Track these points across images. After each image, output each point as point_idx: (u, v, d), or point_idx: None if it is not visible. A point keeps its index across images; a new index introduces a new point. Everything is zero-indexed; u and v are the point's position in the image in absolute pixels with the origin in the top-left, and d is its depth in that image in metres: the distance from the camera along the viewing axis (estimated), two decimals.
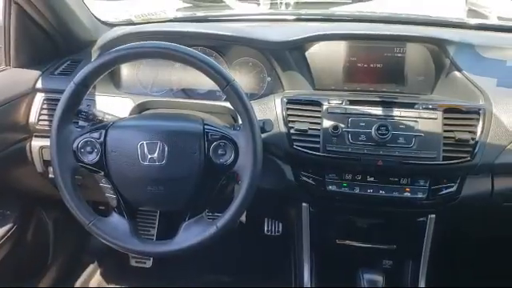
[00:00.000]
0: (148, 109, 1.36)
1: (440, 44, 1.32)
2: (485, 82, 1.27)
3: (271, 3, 2.56)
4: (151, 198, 1.09)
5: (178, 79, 1.44)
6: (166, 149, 1.05)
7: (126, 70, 1.46)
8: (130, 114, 1.33)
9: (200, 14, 1.81)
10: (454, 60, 1.31)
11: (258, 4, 2.70)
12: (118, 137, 1.08)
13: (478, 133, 1.18)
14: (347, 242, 1.37)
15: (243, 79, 1.41)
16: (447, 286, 1.59)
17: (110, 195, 1.13)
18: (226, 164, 1.07)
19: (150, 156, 1.05)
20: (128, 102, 1.35)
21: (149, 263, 1.89)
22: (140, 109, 1.36)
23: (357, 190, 1.23)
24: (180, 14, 1.83)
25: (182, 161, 1.06)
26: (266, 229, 1.77)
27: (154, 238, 1.83)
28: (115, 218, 1.11)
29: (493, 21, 2.21)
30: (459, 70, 1.31)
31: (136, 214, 1.15)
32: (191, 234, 1.07)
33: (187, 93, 1.44)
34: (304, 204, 1.34)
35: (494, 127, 1.19)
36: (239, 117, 1.07)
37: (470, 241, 1.60)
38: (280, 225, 1.75)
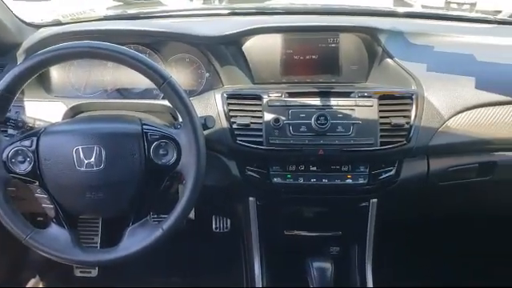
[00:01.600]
0: (82, 112, 1.31)
1: (372, 33, 1.36)
2: (416, 68, 1.32)
3: None
4: (91, 206, 1.05)
5: (112, 79, 1.39)
6: (104, 153, 1.01)
7: (56, 73, 1.39)
8: (63, 119, 1.26)
9: (131, 11, 1.76)
10: (386, 48, 1.35)
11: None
12: (51, 143, 1.03)
13: (412, 117, 1.23)
14: (295, 232, 1.38)
15: (181, 76, 1.38)
16: (393, 268, 1.65)
17: (47, 205, 1.08)
18: (169, 164, 1.05)
19: (86, 161, 1.01)
20: (60, 105, 1.29)
21: (94, 272, 1.82)
22: (73, 112, 1.30)
23: (301, 181, 1.25)
24: (111, 12, 1.76)
25: (122, 164, 1.03)
26: (214, 226, 1.76)
27: (98, 245, 1.77)
28: (54, 229, 1.06)
29: (420, 9, 2.30)
30: (391, 58, 1.35)
31: (76, 222, 1.10)
32: (136, 239, 1.04)
33: (122, 93, 1.40)
34: (251, 198, 1.34)
35: (427, 111, 1.24)
36: (179, 115, 1.05)
37: (411, 222, 1.66)
38: (228, 221, 1.74)
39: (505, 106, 1.27)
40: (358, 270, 1.40)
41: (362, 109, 1.22)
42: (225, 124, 1.23)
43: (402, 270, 1.76)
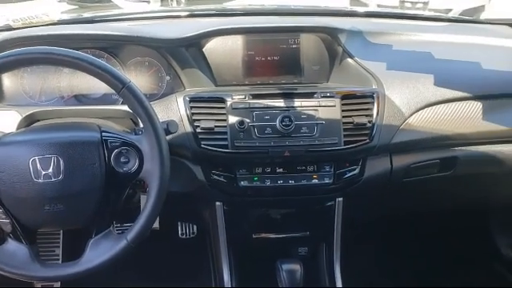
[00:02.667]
0: (37, 120, 1.25)
1: (331, 33, 1.37)
2: (375, 67, 1.33)
3: (162, 0, 2.50)
4: (50, 218, 1.01)
5: (69, 85, 1.34)
6: (62, 163, 0.97)
7: (8, 80, 1.33)
8: (18, 129, 1.20)
9: (87, 14, 1.70)
10: (346, 47, 1.36)
11: (148, 2, 2.63)
12: (5, 155, 0.98)
13: (374, 116, 1.24)
14: (263, 235, 1.37)
15: (140, 80, 1.34)
16: (362, 267, 1.67)
17: (3, 220, 1.02)
18: (131, 172, 1.02)
19: (44, 172, 0.96)
20: (13, 114, 1.23)
21: (57, 285, 1.75)
22: (28, 121, 1.23)
23: (268, 183, 1.24)
24: (65, 16, 1.71)
25: (81, 174, 0.99)
26: (180, 232, 1.73)
27: (60, 258, 1.70)
28: (12, 245, 1.01)
29: (376, 8, 2.35)
30: (351, 57, 1.36)
31: (35, 236, 1.05)
32: (100, 251, 1.00)
33: (80, 99, 1.35)
34: (217, 203, 1.32)
35: (388, 109, 1.26)
36: (140, 120, 1.02)
37: (378, 220, 1.69)
38: (194, 226, 1.71)
39: (463, 102, 1.31)
40: (327, 269, 1.41)
41: (325, 109, 1.23)
42: (188, 128, 1.20)
43: (371, 269, 1.79)
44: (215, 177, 1.25)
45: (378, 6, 5.39)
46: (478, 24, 1.77)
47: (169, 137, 1.07)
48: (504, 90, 1.35)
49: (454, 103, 1.30)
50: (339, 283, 1.39)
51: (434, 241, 1.90)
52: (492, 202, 1.69)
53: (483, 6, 5.64)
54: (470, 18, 1.84)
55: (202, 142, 1.20)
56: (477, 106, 1.32)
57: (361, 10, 1.58)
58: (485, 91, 1.33)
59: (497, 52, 1.51)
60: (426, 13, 1.86)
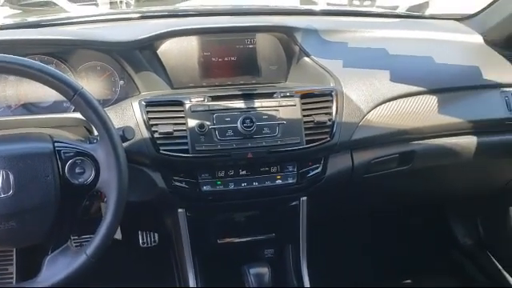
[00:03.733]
0: None
1: (288, 32, 1.36)
2: (332, 65, 1.34)
3: (110, 3, 2.42)
4: (2, 236, 0.94)
5: (16, 93, 1.27)
6: (12, 177, 0.91)
7: None
8: None
9: (33, 19, 1.62)
10: (302, 46, 1.36)
11: (97, 5, 2.54)
12: None
13: (334, 113, 1.24)
14: (228, 240, 1.35)
15: (92, 86, 1.28)
16: (329, 265, 1.68)
17: None
18: (87, 183, 0.97)
19: None
20: None
21: None
22: None
23: (231, 186, 1.22)
24: (8, 21, 1.62)
25: (34, 188, 0.93)
26: (141, 241, 1.67)
27: (14, 277, 1.61)
28: None
29: (326, 7, 2.37)
30: (308, 56, 1.36)
31: None
32: (57, 268, 0.95)
33: (29, 108, 1.27)
34: (180, 210, 1.28)
35: (347, 106, 1.26)
36: (94, 128, 0.98)
37: (342, 217, 1.70)
38: (155, 234, 1.67)
39: (418, 96, 1.33)
40: (294, 270, 1.40)
41: (285, 109, 1.22)
42: (145, 134, 1.16)
43: (338, 266, 1.80)
44: (176, 183, 1.21)
45: (328, 4, 5.48)
46: (427, 19, 1.81)
47: (125, 144, 1.03)
48: (455, 83, 1.39)
49: (409, 98, 1.33)
50: (307, 283, 1.39)
51: (395, 234, 1.94)
52: (449, 194, 1.74)
53: (427, 3, 5.85)
54: (419, 14, 1.89)
55: (161, 148, 1.16)
56: (431, 100, 1.34)
57: (316, 8, 1.59)
58: (438, 85, 1.36)
59: (446, 46, 1.55)
60: (378, 10, 1.88)
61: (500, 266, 1.78)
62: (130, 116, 1.18)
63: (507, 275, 1.74)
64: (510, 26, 1.50)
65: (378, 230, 1.87)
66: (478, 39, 1.58)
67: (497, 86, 1.41)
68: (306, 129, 1.22)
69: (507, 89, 1.41)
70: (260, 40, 1.36)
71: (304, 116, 1.22)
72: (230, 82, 1.35)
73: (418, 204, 1.79)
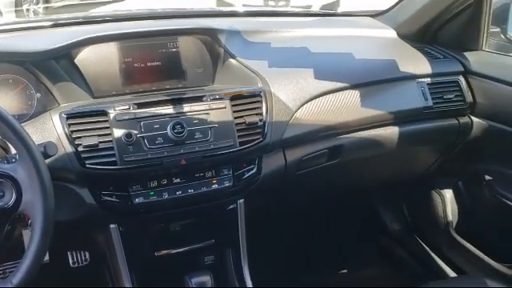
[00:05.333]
0: None
1: (211, 34, 1.34)
2: (258, 65, 1.34)
3: (16, 11, 2.25)
4: None
5: None
6: None
7: None
8: None
9: None
10: (227, 48, 1.35)
11: (1, 13, 2.36)
12: None
13: (264, 114, 1.24)
14: (166, 251, 1.30)
15: (5, 100, 1.17)
16: (271, 266, 1.68)
17: None
18: (8, 207, 0.89)
19: None
20: None
21: None
22: None
23: (166, 196, 1.17)
24: None
25: None
26: (71, 262, 1.57)
27: None
28: None
29: (242, 8, 2.38)
30: (233, 57, 1.35)
31: None
32: None
33: None
34: (112, 225, 1.22)
35: (276, 106, 1.27)
36: (11, 146, 0.90)
37: (279, 216, 1.71)
38: (86, 253, 1.57)
39: (342, 92, 1.37)
40: (236, 274, 1.38)
41: (216, 112, 1.20)
42: (69, 148, 1.09)
43: (278, 265, 1.81)
44: (106, 198, 1.14)
45: (244, 5, 5.53)
46: (343, 17, 1.88)
47: (48, 160, 0.97)
48: (375, 77, 1.44)
49: (334, 94, 1.36)
50: (249, 284, 1.38)
51: (328, 226, 1.99)
52: (376, 183, 1.81)
53: (338, 1, 6.11)
54: (336, 12, 1.95)
55: (87, 162, 1.09)
56: (354, 95, 1.39)
57: (239, 10, 1.58)
58: (359, 80, 1.41)
59: (364, 42, 1.62)
60: (298, 9, 1.92)
61: (428, 248, 1.89)
62: (50, 130, 1.10)
63: (435, 257, 1.84)
64: (420, 20, 1.60)
65: (312, 223, 1.91)
66: (392, 34, 1.66)
67: (413, 77, 1.48)
68: (239, 130, 1.20)
69: (422, 79, 1.49)
70: (183, 43, 1.33)
71: (235, 118, 1.21)
72: (154, 88, 1.30)
73: (348, 195, 1.84)
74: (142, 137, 1.12)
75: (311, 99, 1.32)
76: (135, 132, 1.12)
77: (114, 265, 1.27)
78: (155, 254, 1.29)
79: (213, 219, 1.33)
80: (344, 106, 1.37)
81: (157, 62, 1.31)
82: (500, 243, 1.61)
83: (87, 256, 1.58)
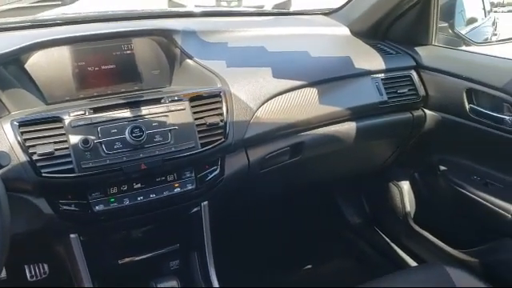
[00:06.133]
0: None
1: (166, 35, 1.32)
2: (217, 66, 1.33)
3: None
4: None
5: None
6: None
7: None
8: None
9: None
10: (183, 48, 1.33)
11: None
12: None
13: (225, 114, 1.23)
14: (129, 259, 1.27)
15: None
16: (236, 264, 1.67)
17: None
18: None
19: None
20: None
21: None
22: None
23: (127, 202, 1.14)
24: None
25: None
26: (28, 276, 1.51)
27: None
28: None
29: (194, 9, 2.36)
30: (190, 58, 1.34)
31: None
32: None
33: None
34: (72, 235, 1.17)
35: (237, 106, 1.26)
36: None
37: (245, 216, 1.71)
38: (45, 265, 1.51)
39: (301, 90, 1.38)
40: (203, 277, 1.37)
41: (175, 113, 1.17)
42: (22, 157, 1.03)
43: (245, 265, 1.81)
44: (65, 207, 1.10)
45: (196, 6, 5.50)
46: (297, 15, 1.90)
47: (0, 171, 0.92)
48: (331, 74, 1.46)
49: (293, 92, 1.37)
50: (216, 285, 1.36)
51: (293, 222, 2.00)
52: (337, 177, 1.84)
53: (290, 1, 6.19)
54: (291, 11, 1.98)
55: (43, 171, 1.05)
56: (313, 92, 1.40)
57: (194, 10, 1.56)
58: (316, 77, 1.42)
59: (319, 40, 1.65)
60: (253, 9, 1.92)
61: (388, 240, 1.93)
62: (1, 139, 1.04)
63: (396, 247, 1.89)
64: (372, 17, 1.64)
65: (276, 221, 1.92)
66: (346, 31, 1.69)
67: (367, 73, 1.51)
68: (200, 132, 1.19)
69: (376, 75, 1.53)
70: (138, 45, 1.30)
71: (195, 119, 1.19)
72: (110, 92, 1.27)
73: (310, 191, 1.86)
74: (100, 142, 1.09)
75: (271, 98, 1.33)
76: (92, 138, 1.08)
77: (76, 276, 1.22)
78: (119, 261, 1.26)
79: (177, 223, 1.31)
80: (303, 103, 1.38)
81: (111, 65, 1.27)
82: (456, 230, 1.67)
83: (46, 268, 1.52)
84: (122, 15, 1.49)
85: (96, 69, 1.25)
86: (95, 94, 1.25)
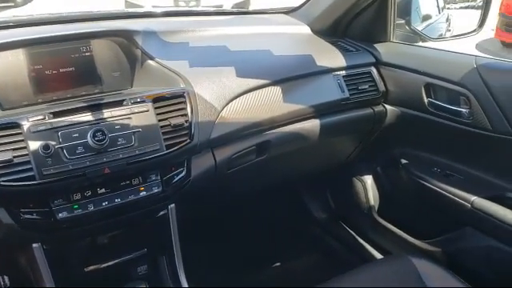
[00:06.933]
0: None
1: (126, 36, 1.29)
2: (179, 66, 1.31)
3: None
4: None
5: None
6: None
7: None
8: None
9: None
10: (144, 49, 1.31)
11: None
12: None
13: (189, 115, 1.21)
14: (96, 266, 1.23)
15: None
16: (207, 268, 1.66)
17: None
18: None
19: None
20: None
21: None
22: None
23: (91, 208, 1.11)
24: None
25: None
26: None
27: None
28: None
29: (151, 9, 2.32)
30: (152, 59, 1.31)
31: None
32: None
33: None
34: (35, 245, 1.13)
35: (201, 106, 1.25)
36: None
37: (214, 216, 1.70)
38: (6, 277, 1.45)
39: (265, 89, 1.39)
40: (172, 280, 1.35)
41: (138, 115, 1.15)
42: None
43: (216, 267, 1.80)
44: (26, 216, 1.06)
45: (154, 6, 5.43)
46: (258, 14, 1.90)
47: None
48: (294, 73, 1.47)
49: (257, 91, 1.37)
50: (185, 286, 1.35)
51: (261, 221, 2.01)
52: (302, 174, 1.85)
53: (248, 0, 6.21)
54: (251, 10, 1.97)
55: (1, 179, 1.00)
56: (277, 91, 1.41)
57: (154, 10, 1.54)
58: (279, 76, 1.43)
59: (281, 38, 1.66)
60: (213, 9, 1.91)
61: (354, 234, 1.97)
62: None
63: (362, 241, 1.92)
64: (331, 15, 1.66)
65: (245, 220, 1.92)
66: (306, 30, 1.71)
67: (329, 70, 1.53)
68: (164, 133, 1.17)
69: (338, 72, 1.55)
70: (97, 47, 1.26)
71: (159, 121, 1.17)
72: (70, 95, 1.23)
73: (277, 189, 1.87)
74: (61, 147, 1.06)
75: (235, 97, 1.32)
76: (53, 143, 1.05)
77: (40, 286, 1.18)
78: (84, 269, 1.22)
79: (143, 228, 1.28)
80: (267, 102, 1.39)
81: (70, 67, 1.23)
82: (419, 221, 1.71)
83: (7, 281, 1.46)
84: (78, 16, 1.44)
85: (54, 72, 1.21)
86: (54, 97, 1.21)
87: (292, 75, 1.46)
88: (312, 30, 1.71)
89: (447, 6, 2.67)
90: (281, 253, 2.01)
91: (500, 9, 5.44)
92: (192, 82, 1.26)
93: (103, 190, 1.13)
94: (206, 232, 1.81)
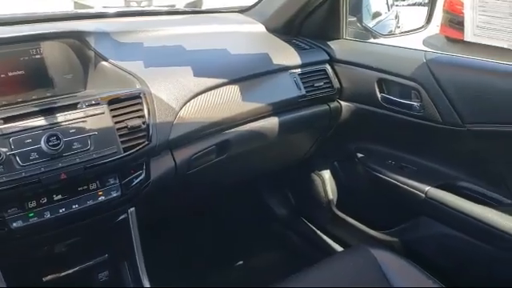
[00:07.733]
0: None
1: (78, 37, 1.26)
2: (134, 66, 1.29)
3: None
4: None
5: None
6: None
7: None
8: None
9: None
10: (97, 50, 1.28)
11: None
12: None
13: (147, 116, 1.19)
14: (55, 275, 1.20)
15: None
16: (170, 270, 1.64)
17: None
18: None
19: None
20: None
21: None
22: None
23: (47, 216, 1.07)
24: None
25: None
26: None
27: None
28: None
29: (102, 10, 2.27)
30: (105, 60, 1.28)
31: None
32: None
33: None
34: None
35: (158, 107, 1.23)
36: None
37: (175, 218, 1.67)
38: None
39: (222, 88, 1.38)
40: (134, 284, 1.33)
41: (94, 118, 1.12)
42: None
43: (180, 268, 1.78)
44: None
45: (104, 7, 5.31)
46: (212, 14, 1.90)
47: None
48: (250, 71, 1.48)
49: (215, 90, 1.37)
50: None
51: (223, 220, 2.01)
52: (262, 172, 1.87)
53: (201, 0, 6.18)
54: (204, 9, 1.96)
55: None
56: (234, 90, 1.41)
57: (106, 11, 1.50)
58: (236, 75, 1.43)
59: (236, 37, 1.66)
60: (166, 8, 1.89)
61: (315, 228, 2.00)
62: None
63: (322, 235, 1.96)
64: (285, 14, 1.68)
65: (207, 220, 1.91)
66: (261, 28, 1.72)
67: (285, 68, 1.55)
68: (121, 136, 1.14)
69: (294, 70, 1.57)
70: (47, 49, 1.22)
71: (116, 123, 1.15)
72: (20, 100, 1.18)
73: (238, 188, 1.88)
74: (13, 154, 1.02)
75: (193, 97, 1.31)
76: (4, 150, 1.01)
77: None
78: (43, 279, 1.18)
79: (103, 233, 1.25)
80: (226, 101, 1.38)
81: (19, 71, 1.18)
82: (377, 213, 1.76)
83: None
84: (25, 18, 1.38)
85: (2, 76, 1.16)
86: (4, 102, 1.16)
87: (249, 74, 1.47)
88: (267, 29, 1.72)
89: (396, 3, 2.76)
90: (244, 251, 2.02)
91: (444, 5, 5.65)
92: (148, 83, 1.24)
93: (60, 197, 1.10)
94: (169, 233, 1.79)
